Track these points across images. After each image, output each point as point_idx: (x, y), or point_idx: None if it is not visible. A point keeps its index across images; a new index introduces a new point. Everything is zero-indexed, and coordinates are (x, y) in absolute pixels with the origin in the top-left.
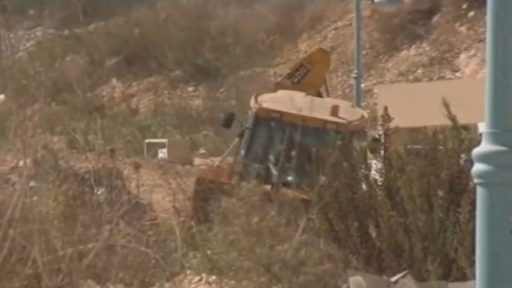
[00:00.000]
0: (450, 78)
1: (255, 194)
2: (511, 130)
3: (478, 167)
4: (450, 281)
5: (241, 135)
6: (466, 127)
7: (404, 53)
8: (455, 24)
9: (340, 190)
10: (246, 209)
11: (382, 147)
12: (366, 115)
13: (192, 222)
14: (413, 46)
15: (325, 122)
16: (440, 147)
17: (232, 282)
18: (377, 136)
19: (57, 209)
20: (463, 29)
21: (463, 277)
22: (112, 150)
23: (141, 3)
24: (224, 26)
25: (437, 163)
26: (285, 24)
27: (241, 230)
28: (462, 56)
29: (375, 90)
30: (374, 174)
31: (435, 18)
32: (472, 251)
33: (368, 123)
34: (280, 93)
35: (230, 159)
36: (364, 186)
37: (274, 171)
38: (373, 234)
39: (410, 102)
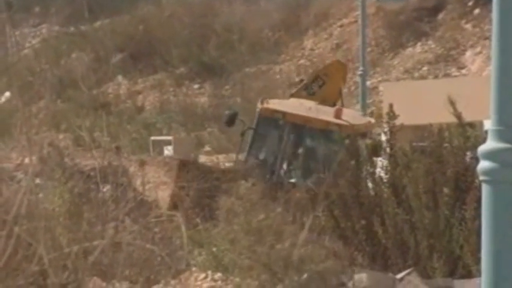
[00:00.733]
0: (456, 76)
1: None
2: None
3: (483, 165)
4: (456, 278)
5: (242, 135)
6: (471, 124)
7: (409, 50)
8: (461, 21)
9: (346, 187)
10: (246, 208)
11: (388, 145)
12: (372, 121)
13: (198, 220)
14: (419, 43)
15: (328, 123)
16: (446, 145)
17: (237, 279)
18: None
19: (63, 206)
20: (468, 26)
21: (469, 274)
22: (117, 148)
23: (146, 0)
24: (229, 23)
25: (443, 160)
26: (290, 21)
27: (241, 228)
28: (468, 53)
29: (381, 88)
30: (380, 171)
31: (441, 16)
32: (478, 249)
33: (373, 129)
34: (291, 100)
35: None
36: (369, 184)
37: (276, 171)
38: (379, 231)
39: (416, 100)
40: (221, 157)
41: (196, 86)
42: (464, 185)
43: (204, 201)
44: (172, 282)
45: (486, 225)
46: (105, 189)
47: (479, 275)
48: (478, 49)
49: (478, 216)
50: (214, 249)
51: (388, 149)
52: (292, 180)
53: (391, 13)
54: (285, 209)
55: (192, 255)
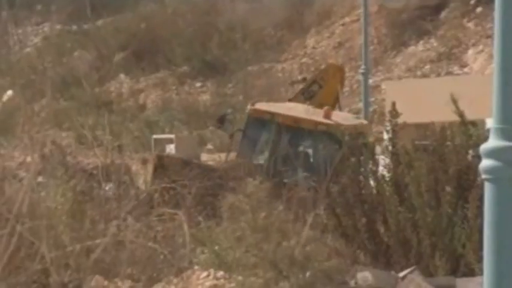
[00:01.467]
0: (458, 74)
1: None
2: None
3: (485, 163)
4: (458, 277)
5: (231, 136)
6: (473, 123)
7: (412, 48)
8: (463, 19)
9: (348, 186)
10: (253, 206)
11: (390, 143)
12: (364, 123)
13: (200, 218)
14: (421, 42)
15: (316, 123)
16: (448, 143)
17: (240, 278)
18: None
19: (65, 204)
20: (471, 24)
21: (471, 272)
22: (119, 146)
23: None
24: (232, 21)
25: (445, 159)
26: (293, 19)
27: (247, 226)
28: (470, 52)
29: (383, 86)
30: (382, 170)
31: (443, 14)
32: (480, 247)
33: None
34: (282, 103)
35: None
36: (372, 182)
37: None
38: (381, 229)
39: (418, 98)
40: (223, 155)
41: (198, 84)
42: (467, 183)
43: (207, 200)
44: (175, 280)
45: (488, 223)
46: (107, 188)
47: (482, 273)
48: (480, 47)
49: (480, 214)
50: (216, 247)
51: (390, 147)
52: (285, 181)
53: (393, 11)
54: (288, 207)
55: (194, 253)
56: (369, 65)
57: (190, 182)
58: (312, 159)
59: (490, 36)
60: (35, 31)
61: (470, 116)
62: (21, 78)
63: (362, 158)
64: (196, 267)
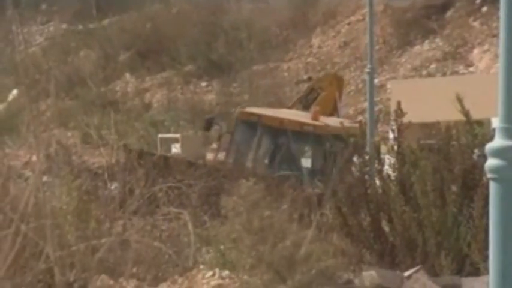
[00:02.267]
0: (463, 73)
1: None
2: None
3: (491, 162)
4: (463, 276)
5: (219, 138)
6: (479, 122)
7: (417, 47)
8: (469, 19)
9: (354, 185)
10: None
11: (395, 143)
12: (355, 126)
13: (205, 217)
14: (427, 41)
15: (302, 124)
16: (454, 143)
17: (245, 277)
18: None
19: (70, 204)
20: (476, 23)
21: (477, 272)
22: (125, 146)
23: None
24: (237, 20)
25: (451, 158)
26: (298, 19)
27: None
28: (475, 51)
29: (388, 85)
30: (387, 169)
31: (449, 13)
32: (486, 246)
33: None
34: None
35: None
36: (377, 181)
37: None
38: (387, 229)
39: (424, 97)
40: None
41: (204, 84)
42: (472, 182)
43: (212, 199)
44: (180, 279)
45: (494, 222)
46: (112, 187)
47: (487, 273)
48: (486, 47)
49: (485, 214)
50: (222, 247)
51: (395, 147)
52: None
53: (399, 11)
54: (292, 206)
55: (199, 253)
56: (374, 65)
57: (196, 181)
58: (297, 160)
59: (495, 36)
60: (40, 31)
61: (475, 115)
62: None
63: (356, 158)
64: (201, 266)
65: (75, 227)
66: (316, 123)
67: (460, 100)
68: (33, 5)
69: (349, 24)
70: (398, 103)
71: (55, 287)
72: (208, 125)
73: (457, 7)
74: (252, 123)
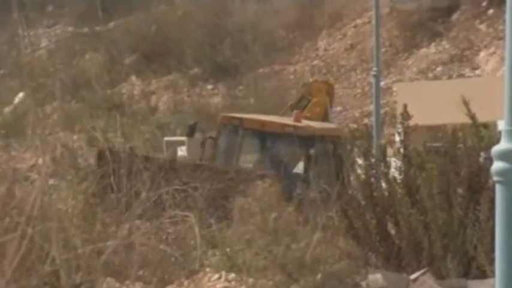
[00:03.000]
0: (470, 76)
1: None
2: None
3: (497, 165)
4: (470, 279)
5: (203, 144)
6: (485, 125)
7: (423, 50)
8: (475, 21)
9: (359, 188)
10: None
11: (402, 145)
12: (339, 128)
13: (211, 220)
14: (433, 44)
15: (284, 125)
16: (460, 145)
17: (251, 280)
18: None
19: (76, 207)
20: (482, 26)
21: (483, 275)
22: (131, 148)
23: (159, 0)
24: (243, 23)
25: (457, 161)
26: (304, 21)
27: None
28: (482, 54)
29: (394, 88)
30: (393, 172)
31: (455, 16)
32: (492, 249)
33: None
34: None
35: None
36: (383, 184)
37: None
38: (393, 231)
39: (430, 100)
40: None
41: (209, 87)
42: (478, 185)
43: (218, 202)
44: (186, 282)
45: (500, 225)
46: None
47: (493, 275)
48: (492, 49)
49: (491, 216)
50: (228, 249)
51: (402, 150)
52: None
53: (405, 13)
54: (299, 209)
55: (205, 255)
56: (380, 67)
57: (202, 184)
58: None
59: (501, 38)
60: (46, 33)
61: (481, 118)
62: (32, 81)
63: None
64: (207, 269)
65: (81, 230)
66: (298, 124)
67: (466, 103)
68: (39, 7)
69: (355, 26)
70: (405, 106)
71: None
72: (191, 131)
73: (463, 10)
74: (235, 127)
